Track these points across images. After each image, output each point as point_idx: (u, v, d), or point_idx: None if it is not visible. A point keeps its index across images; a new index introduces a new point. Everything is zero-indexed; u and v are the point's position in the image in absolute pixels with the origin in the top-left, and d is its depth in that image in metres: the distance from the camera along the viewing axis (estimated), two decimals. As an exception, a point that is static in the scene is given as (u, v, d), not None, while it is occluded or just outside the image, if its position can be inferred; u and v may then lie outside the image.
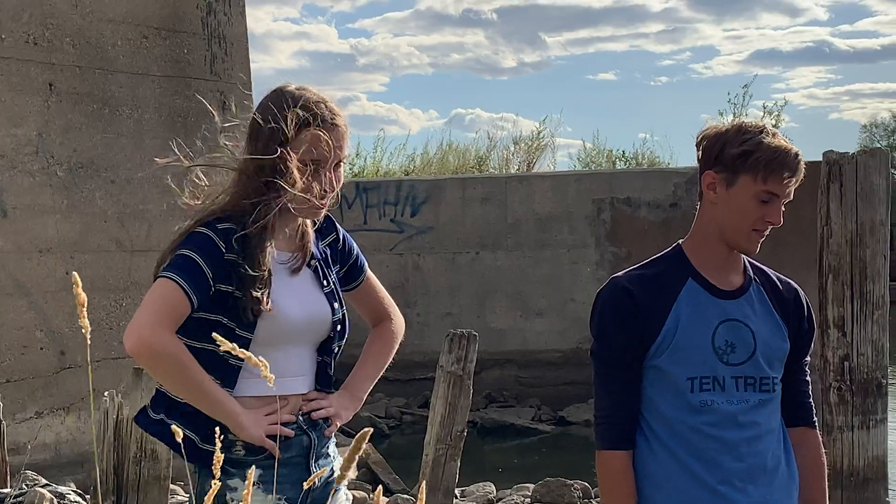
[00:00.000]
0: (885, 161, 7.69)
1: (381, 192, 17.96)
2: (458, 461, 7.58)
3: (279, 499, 3.53)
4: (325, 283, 3.67)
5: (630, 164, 24.94)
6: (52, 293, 10.45)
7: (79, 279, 3.08)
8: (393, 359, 3.98)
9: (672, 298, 3.43)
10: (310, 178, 3.50)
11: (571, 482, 10.40)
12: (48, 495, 8.42)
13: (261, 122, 3.53)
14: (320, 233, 3.72)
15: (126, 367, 7.33)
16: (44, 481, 9.13)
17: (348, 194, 17.46)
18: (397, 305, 4.05)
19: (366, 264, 3.92)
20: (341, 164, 3.58)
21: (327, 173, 3.53)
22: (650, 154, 25.32)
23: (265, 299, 3.45)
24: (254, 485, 3.53)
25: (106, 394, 7.09)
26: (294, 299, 3.55)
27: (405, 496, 9.91)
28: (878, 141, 56.16)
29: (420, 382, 16.06)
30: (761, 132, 3.38)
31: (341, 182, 3.60)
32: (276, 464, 3.48)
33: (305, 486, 2.98)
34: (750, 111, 24.50)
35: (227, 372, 3.48)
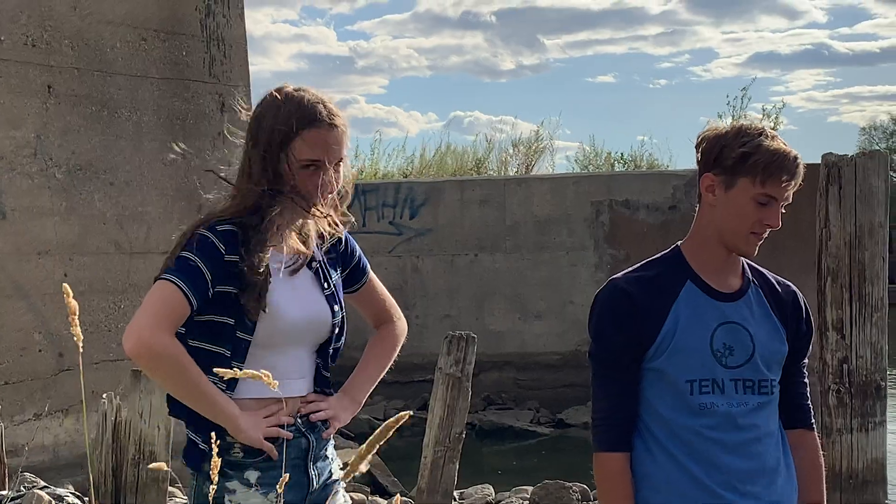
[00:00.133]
0: (883, 163, 7.69)
1: (380, 194, 17.96)
2: (457, 463, 7.58)
3: (277, 501, 3.53)
4: (325, 285, 3.67)
5: (629, 166, 24.96)
6: (50, 295, 10.44)
7: (69, 289, 3.09)
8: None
9: (671, 300, 3.43)
10: (308, 180, 3.50)
11: (570, 484, 10.40)
12: (46, 497, 8.42)
13: (260, 123, 3.54)
14: (330, 236, 3.72)
15: (124, 369, 7.33)
16: (42, 483, 9.13)
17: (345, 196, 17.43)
18: (396, 308, 4.05)
19: (368, 266, 3.92)
20: (341, 164, 3.59)
21: (327, 174, 3.53)
22: (649, 156, 25.35)
23: (263, 301, 3.46)
24: (252, 487, 3.53)
25: (104, 396, 7.09)
26: (294, 301, 3.55)
27: (404, 498, 9.90)
28: (877, 143, 56.26)
29: (419, 384, 16.05)
30: (760, 135, 3.37)
31: (341, 182, 3.60)
32: (281, 464, 3.48)
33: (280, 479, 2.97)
34: (749, 114, 24.51)
35: (229, 375, 3.48)
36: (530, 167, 25.23)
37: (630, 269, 3.54)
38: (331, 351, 3.69)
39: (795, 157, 3.37)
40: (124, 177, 11.15)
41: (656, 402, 3.43)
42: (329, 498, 3.70)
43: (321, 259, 3.68)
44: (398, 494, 2.77)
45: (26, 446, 10.08)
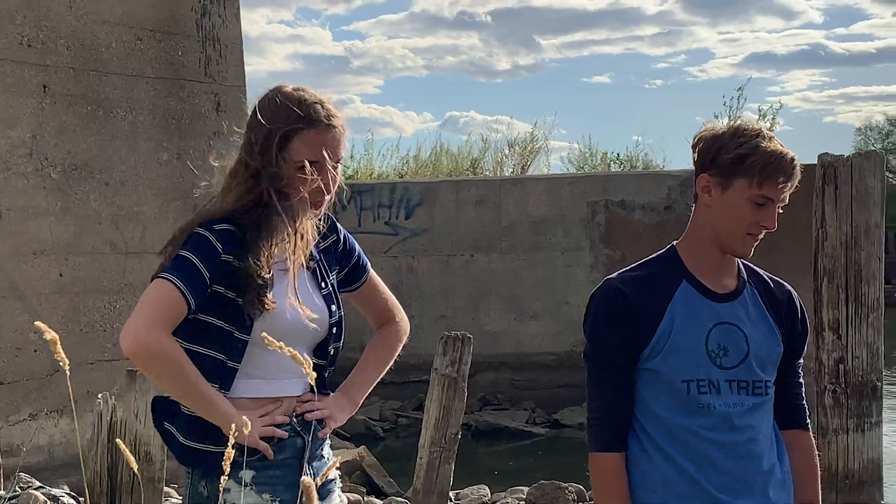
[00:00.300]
0: (879, 164, 7.70)
1: (376, 194, 17.96)
2: (453, 464, 7.58)
3: (272, 500, 3.52)
4: (323, 284, 3.66)
5: (624, 166, 24.94)
6: (46, 295, 10.43)
7: (44, 325, 3.12)
8: (389, 361, 3.98)
9: (666, 300, 3.43)
10: (307, 179, 3.50)
11: (566, 485, 10.41)
12: (42, 498, 8.41)
13: (258, 122, 3.53)
14: (321, 234, 3.71)
15: (120, 370, 7.32)
16: (37, 484, 9.12)
17: (343, 197, 17.43)
18: (392, 308, 4.04)
19: (369, 265, 3.91)
20: (338, 165, 3.58)
21: (324, 175, 3.52)
22: (644, 156, 25.34)
23: (267, 300, 3.45)
24: (247, 486, 3.53)
25: (100, 396, 7.08)
26: (287, 302, 3.53)
27: (399, 499, 9.90)
28: (873, 144, 56.32)
29: (414, 385, 16.04)
30: (757, 136, 3.37)
31: (338, 183, 3.60)
32: (277, 464, 3.48)
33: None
34: (745, 114, 24.50)
35: (223, 374, 3.48)
36: (526, 167, 25.21)
37: (625, 269, 3.53)
38: (330, 351, 3.68)
39: (792, 159, 3.36)
40: (120, 176, 11.14)
41: (652, 402, 3.43)
42: (325, 498, 3.70)
43: (319, 258, 3.68)
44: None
45: (22, 447, 10.07)
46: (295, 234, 3.56)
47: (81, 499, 8.59)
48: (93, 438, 7.02)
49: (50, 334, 3.06)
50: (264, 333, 3.00)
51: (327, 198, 3.57)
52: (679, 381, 3.38)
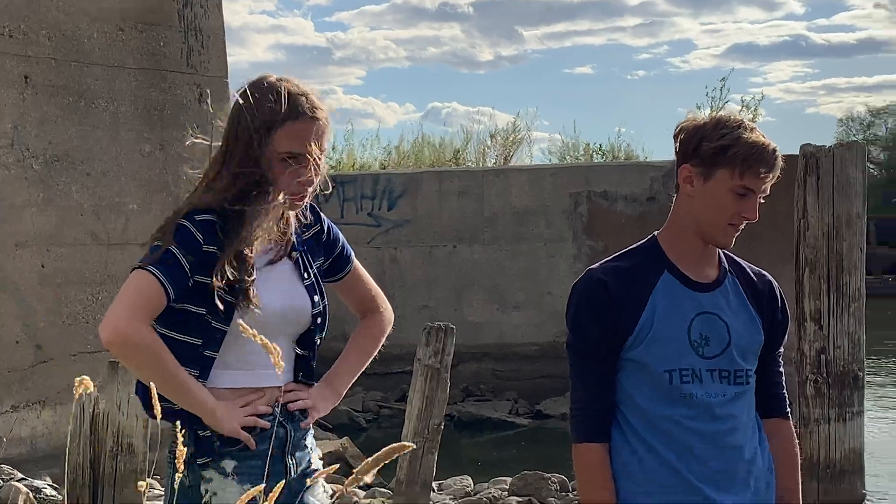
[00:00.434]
0: (861, 154, 7.72)
1: (358, 185, 17.94)
2: (436, 455, 7.58)
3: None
4: (305, 275, 3.66)
5: (607, 157, 24.94)
6: (28, 287, 10.41)
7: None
8: (371, 352, 3.98)
9: (648, 290, 3.43)
10: (289, 171, 3.50)
11: (549, 475, 10.42)
12: (24, 489, 8.40)
13: (241, 113, 3.52)
14: (304, 224, 3.71)
15: (102, 361, 7.30)
16: (20, 475, 9.11)
17: (325, 188, 17.41)
18: (375, 299, 4.03)
19: (353, 255, 3.91)
20: (322, 157, 3.58)
21: (308, 166, 3.52)
22: (627, 147, 25.33)
23: (252, 295, 3.45)
24: (228, 476, 3.52)
25: (81, 387, 7.06)
26: (273, 291, 3.54)
27: (382, 490, 9.91)
28: (854, 135, 56.45)
29: (397, 376, 16.03)
30: (739, 127, 3.37)
31: (321, 176, 3.59)
32: (258, 454, 3.48)
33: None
34: (727, 105, 24.51)
35: (202, 364, 3.47)
36: (508, 158, 25.21)
37: (607, 259, 3.54)
38: (314, 341, 3.68)
39: (774, 150, 3.37)
40: (101, 167, 11.12)
41: (634, 392, 3.43)
42: (308, 488, 3.70)
43: (302, 249, 3.67)
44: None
45: (4, 439, 10.05)
46: (278, 225, 3.55)
47: (64, 490, 8.57)
48: (75, 430, 7.00)
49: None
50: (241, 321, 2.99)
51: (310, 189, 3.57)
52: (661, 371, 3.39)
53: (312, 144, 3.50)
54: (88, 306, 10.89)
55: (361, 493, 10.03)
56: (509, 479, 10.61)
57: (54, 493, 8.78)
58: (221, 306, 3.43)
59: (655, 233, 3.56)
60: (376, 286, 3.99)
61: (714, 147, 3.35)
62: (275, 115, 3.47)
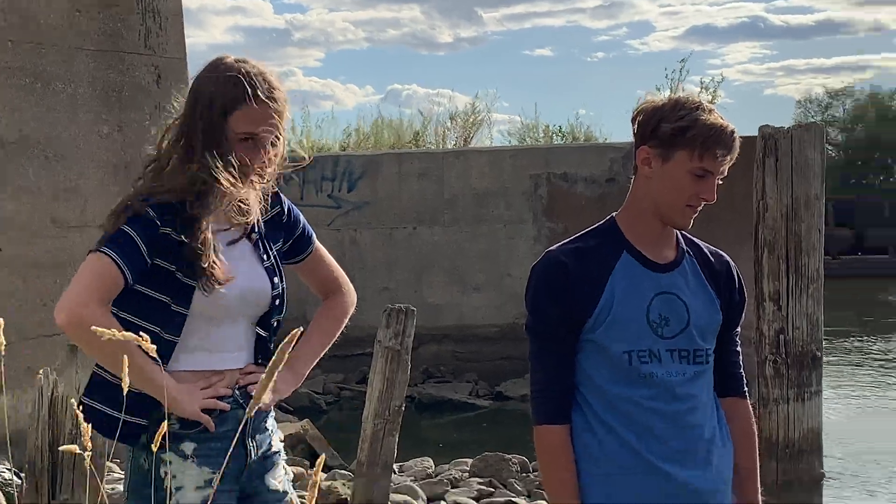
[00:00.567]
0: (819, 136, 7.75)
1: (318, 167, 17.89)
2: (397, 436, 7.58)
3: (213, 472, 3.52)
4: (265, 256, 3.65)
5: (566, 139, 24.99)
6: (-15, 270, 10.34)
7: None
8: (332, 334, 3.97)
9: (607, 272, 3.44)
10: (248, 152, 3.49)
11: (509, 457, 10.46)
12: (-18, 473, 8.35)
13: (199, 94, 3.51)
14: (263, 206, 3.69)
15: (61, 345, 7.27)
16: (-22, 459, 9.06)
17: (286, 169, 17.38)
18: (335, 280, 4.02)
19: (314, 236, 3.90)
20: (280, 138, 3.57)
21: (264, 147, 3.51)
22: (586, 129, 25.40)
23: (215, 270, 3.44)
24: (187, 458, 3.52)
25: (41, 371, 7.03)
26: (233, 273, 3.52)
27: (343, 471, 9.91)
28: (813, 116, 56.68)
29: (358, 358, 16.03)
30: (698, 108, 3.38)
31: (280, 156, 3.59)
32: (218, 436, 3.47)
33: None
34: (687, 87, 24.59)
35: (160, 346, 3.46)
36: (468, 140, 25.23)
37: (566, 241, 3.54)
38: (273, 323, 3.68)
39: (732, 132, 3.38)
40: (60, 150, 11.04)
41: (594, 373, 3.44)
42: (269, 470, 3.70)
43: (262, 231, 3.66)
44: (321, 458, 2.75)
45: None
46: (237, 205, 3.54)
47: (23, 474, 8.54)
48: (33, 414, 6.97)
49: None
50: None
51: (269, 170, 3.56)
52: (620, 353, 3.40)
53: (271, 125, 3.49)
54: (46, 290, 10.83)
55: (322, 475, 10.03)
56: (470, 461, 10.64)
57: (13, 477, 8.74)
58: (181, 289, 3.43)
59: (614, 214, 3.56)
60: (338, 267, 3.98)
61: (672, 129, 3.36)
62: (233, 97, 3.46)
